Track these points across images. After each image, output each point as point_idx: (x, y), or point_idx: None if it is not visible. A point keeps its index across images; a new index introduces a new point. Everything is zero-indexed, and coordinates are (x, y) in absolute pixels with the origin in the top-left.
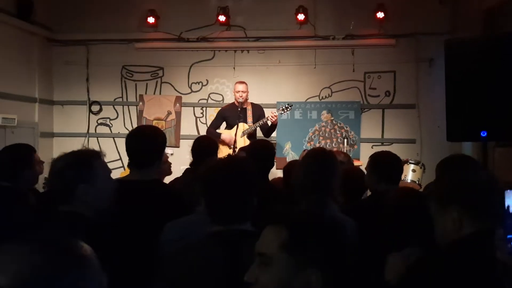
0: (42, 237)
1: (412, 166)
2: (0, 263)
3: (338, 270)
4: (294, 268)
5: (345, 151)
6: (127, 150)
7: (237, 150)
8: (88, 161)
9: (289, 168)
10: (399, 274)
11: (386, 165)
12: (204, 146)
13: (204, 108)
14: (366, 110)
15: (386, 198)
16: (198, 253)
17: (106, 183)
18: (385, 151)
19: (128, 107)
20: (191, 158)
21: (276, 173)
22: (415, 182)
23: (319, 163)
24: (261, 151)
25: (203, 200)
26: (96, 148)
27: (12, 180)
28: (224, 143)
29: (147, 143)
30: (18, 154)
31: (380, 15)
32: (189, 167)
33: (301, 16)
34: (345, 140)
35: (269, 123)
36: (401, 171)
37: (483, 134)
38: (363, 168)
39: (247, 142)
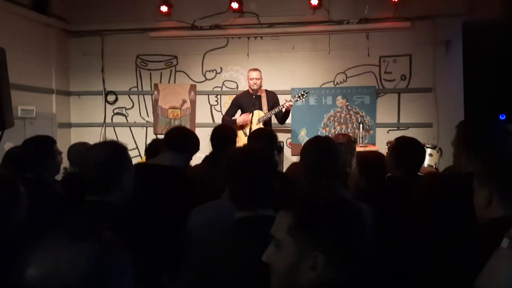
0: (69, 231)
1: (429, 151)
2: (34, 258)
3: (344, 253)
4: (300, 252)
5: (361, 136)
6: (167, 137)
7: None
8: (125, 152)
9: None
10: None
11: (406, 152)
12: (223, 135)
13: (218, 96)
14: (381, 94)
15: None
16: (226, 238)
17: (133, 172)
18: (411, 138)
19: (144, 97)
20: (210, 148)
21: (292, 159)
22: (432, 166)
23: (317, 150)
24: (262, 138)
25: (227, 187)
26: (113, 137)
27: (37, 171)
28: (240, 126)
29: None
30: (42, 146)
31: None
32: (208, 155)
33: (314, 1)
34: (361, 125)
35: (283, 110)
36: (421, 161)
37: (502, 117)
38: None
39: None
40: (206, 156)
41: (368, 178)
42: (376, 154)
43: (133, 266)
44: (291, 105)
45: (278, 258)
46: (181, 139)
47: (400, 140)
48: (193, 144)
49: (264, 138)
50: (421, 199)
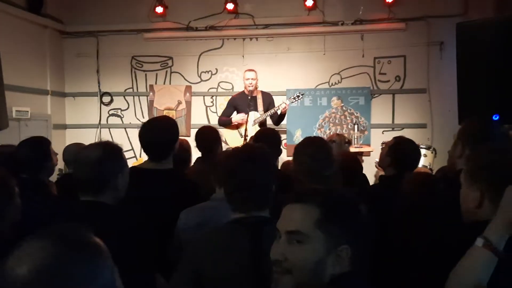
0: (55, 231)
1: (423, 151)
2: (19, 257)
3: (364, 246)
4: (328, 246)
5: (355, 137)
6: (140, 143)
7: (248, 139)
8: (120, 152)
9: None
10: None
11: (403, 151)
12: (206, 136)
13: (214, 97)
14: (376, 95)
15: (401, 187)
16: (222, 239)
17: (128, 173)
18: (409, 139)
19: (139, 98)
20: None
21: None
22: (426, 167)
23: (311, 153)
24: (268, 139)
25: (223, 188)
26: (109, 139)
27: (33, 172)
28: (236, 126)
29: (159, 136)
30: (38, 147)
31: None
32: (200, 156)
33: (309, 2)
34: (356, 126)
35: (279, 112)
36: (416, 162)
37: (495, 117)
38: (375, 154)
39: None
40: (198, 158)
41: (346, 179)
42: (349, 155)
43: (126, 267)
44: (287, 108)
45: (302, 253)
46: (154, 146)
47: (398, 139)
48: (166, 150)
49: (269, 139)
50: (406, 199)
